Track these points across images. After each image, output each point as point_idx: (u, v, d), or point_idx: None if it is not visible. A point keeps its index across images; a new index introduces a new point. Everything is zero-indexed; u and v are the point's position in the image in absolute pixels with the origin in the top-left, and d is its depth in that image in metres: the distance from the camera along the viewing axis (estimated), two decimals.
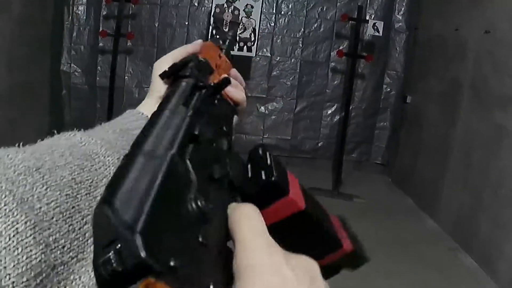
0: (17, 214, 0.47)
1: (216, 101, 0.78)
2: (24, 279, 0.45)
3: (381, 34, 5.74)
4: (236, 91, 0.94)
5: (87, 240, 0.54)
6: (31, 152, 0.57)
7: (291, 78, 6.50)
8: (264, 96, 6.52)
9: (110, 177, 0.54)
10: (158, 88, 0.85)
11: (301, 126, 6.61)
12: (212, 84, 0.74)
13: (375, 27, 5.66)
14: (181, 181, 0.46)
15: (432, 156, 5.33)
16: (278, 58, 6.46)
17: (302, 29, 6.41)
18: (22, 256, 0.45)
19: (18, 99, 4.91)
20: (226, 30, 5.48)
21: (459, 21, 4.95)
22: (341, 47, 6.35)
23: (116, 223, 0.36)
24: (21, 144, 0.60)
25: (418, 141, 5.75)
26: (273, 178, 0.64)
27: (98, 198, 0.55)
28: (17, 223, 0.46)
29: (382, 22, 5.72)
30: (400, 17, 6.41)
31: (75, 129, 0.69)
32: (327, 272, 0.68)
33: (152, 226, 0.37)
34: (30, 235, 0.47)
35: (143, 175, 0.42)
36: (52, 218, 0.51)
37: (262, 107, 6.54)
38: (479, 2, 4.57)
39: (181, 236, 0.41)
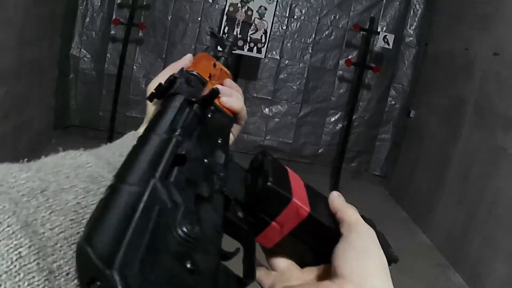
0: (21, 237, 0.44)
1: (210, 114, 0.75)
2: None
3: (390, 47, 5.76)
4: (231, 99, 0.88)
5: None
6: (35, 170, 0.54)
7: (297, 83, 6.52)
8: (269, 98, 6.54)
9: None
10: (150, 110, 0.85)
11: (303, 131, 6.63)
12: (197, 98, 0.72)
13: (386, 40, 5.69)
14: (164, 208, 0.45)
15: (430, 171, 5.35)
16: (287, 61, 6.48)
17: (313, 35, 6.43)
18: (24, 283, 0.42)
19: (26, 76, 4.90)
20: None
21: (469, 41, 4.97)
22: (350, 56, 6.37)
23: (95, 260, 0.37)
24: (25, 160, 0.58)
25: (418, 156, 5.77)
26: (268, 184, 0.62)
27: None
28: (21, 247, 0.44)
29: (393, 35, 5.74)
30: (411, 32, 6.43)
31: (80, 148, 0.65)
32: None
33: (132, 261, 0.37)
34: (34, 261, 0.44)
35: (122, 208, 0.42)
36: (56, 243, 0.48)
37: (266, 109, 6.56)
38: (490, 23, 4.59)
39: (166, 266, 0.40)
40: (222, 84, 0.94)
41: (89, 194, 0.55)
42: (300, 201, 0.64)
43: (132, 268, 0.37)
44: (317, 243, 0.68)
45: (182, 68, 0.88)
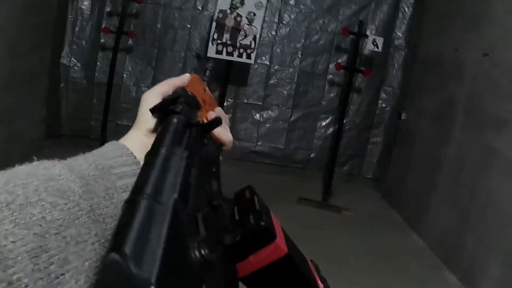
0: None
1: (205, 141, 0.76)
2: None
3: (380, 50, 5.78)
4: (224, 131, 0.88)
5: (52, 280, 0.51)
6: (4, 182, 0.54)
7: (288, 88, 6.54)
8: (260, 103, 6.55)
9: (83, 220, 0.57)
10: (146, 121, 0.82)
11: (294, 136, 6.64)
12: (202, 123, 0.74)
13: (375, 43, 5.70)
14: (184, 227, 0.46)
15: (423, 173, 5.37)
16: (277, 67, 6.50)
17: (303, 40, 6.45)
18: None
19: (17, 86, 4.90)
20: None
21: (458, 42, 4.99)
22: (339, 60, 6.39)
23: (131, 275, 0.36)
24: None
25: (410, 158, 5.79)
26: (262, 224, 0.64)
27: (68, 238, 0.54)
28: None
29: (382, 38, 5.76)
30: (400, 34, 6.46)
31: (55, 158, 0.65)
32: None
33: (163, 279, 0.37)
34: None
35: (150, 222, 0.42)
36: (17, 256, 0.48)
37: (257, 115, 6.57)
38: (479, 24, 4.61)
39: (188, 286, 0.41)
40: (213, 111, 0.94)
41: (56, 209, 0.55)
42: (280, 242, 0.66)
43: (165, 286, 0.37)
44: (283, 284, 0.70)
45: (183, 87, 0.89)
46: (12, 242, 0.49)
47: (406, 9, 6.41)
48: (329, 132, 6.61)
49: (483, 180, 4.14)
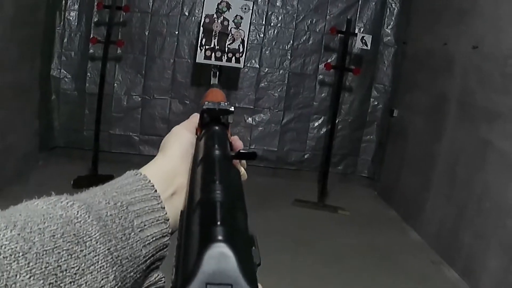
0: None
1: None
2: None
3: (369, 48, 5.78)
4: (244, 164, 0.94)
5: None
6: (20, 228, 0.53)
7: (278, 90, 6.54)
8: (251, 107, 6.55)
9: (99, 265, 0.57)
10: (175, 150, 0.86)
11: (287, 137, 6.64)
12: (243, 151, 0.75)
13: (364, 41, 5.71)
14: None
15: (417, 169, 5.37)
16: (266, 69, 6.49)
17: (291, 41, 6.45)
18: None
19: (8, 100, 4.88)
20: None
21: (447, 36, 5.00)
22: (329, 60, 6.40)
23: (240, 270, 0.36)
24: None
25: (404, 154, 5.79)
26: None
27: (83, 286, 0.55)
28: None
29: (371, 36, 5.76)
30: (389, 31, 6.47)
31: (73, 194, 0.64)
32: None
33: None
34: None
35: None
36: None
37: (249, 118, 6.57)
38: (468, 18, 4.62)
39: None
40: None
41: (72, 257, 0.55)
42: None
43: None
44: None
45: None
46: None
47: (393, 5, 6.42)
48: (322, 132, 6.62)
49: (478, 173, 4.15)
